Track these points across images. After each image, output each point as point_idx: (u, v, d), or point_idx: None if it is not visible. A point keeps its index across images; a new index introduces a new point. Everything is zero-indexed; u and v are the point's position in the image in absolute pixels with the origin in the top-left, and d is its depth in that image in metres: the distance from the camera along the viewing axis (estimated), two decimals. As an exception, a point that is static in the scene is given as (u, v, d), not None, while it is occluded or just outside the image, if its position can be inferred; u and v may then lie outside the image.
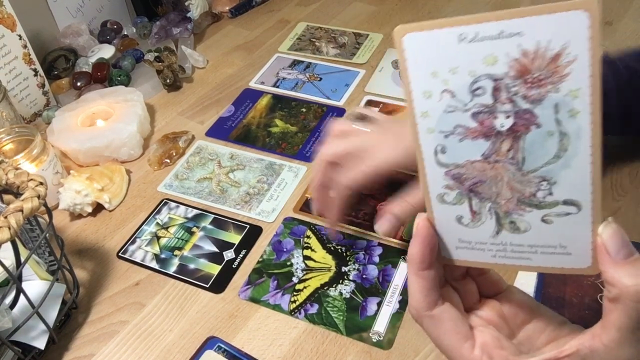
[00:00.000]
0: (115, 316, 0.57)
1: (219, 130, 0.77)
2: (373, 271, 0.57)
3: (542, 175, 0.29)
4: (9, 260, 0.47)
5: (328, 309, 0.54)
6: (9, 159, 0.61)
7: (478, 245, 0.32)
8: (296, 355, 0.52)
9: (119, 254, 0.63)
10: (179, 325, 0.55)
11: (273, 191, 0.67)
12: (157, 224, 0.65)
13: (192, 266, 0.60)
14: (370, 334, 0.52)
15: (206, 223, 0.65)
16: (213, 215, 0.66)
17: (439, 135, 0.29)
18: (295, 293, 0.56)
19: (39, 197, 0.46)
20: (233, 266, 0.60)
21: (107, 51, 0.90)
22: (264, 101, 0.81)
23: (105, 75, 0.84)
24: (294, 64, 0.88)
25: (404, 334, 0.52)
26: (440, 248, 0.33)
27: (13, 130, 0.66)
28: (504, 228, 0.31)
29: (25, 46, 0.78)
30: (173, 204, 0.68)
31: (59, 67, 0.87)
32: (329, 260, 0.59)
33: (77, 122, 0.74)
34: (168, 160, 0.73)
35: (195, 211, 0.66)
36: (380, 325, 0.53)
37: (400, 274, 0.57)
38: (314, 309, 0.55)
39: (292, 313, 0.55)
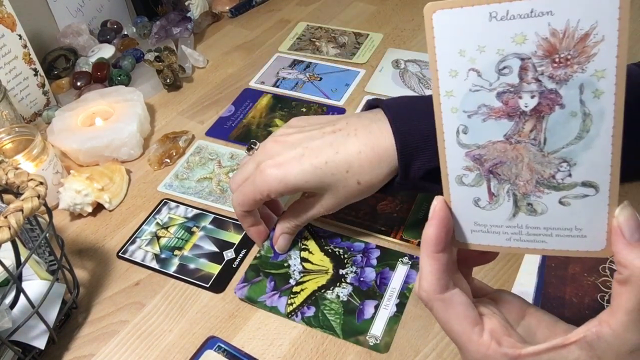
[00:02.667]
0: (115, 316, 0.57)
1: (219, 130, 0.77)
2: (370, 274, 0.57)
3: (563, 157, 0.29)
4: (9, 260, 0.47)
5: (325, 311, 0.54)
6: (9, 158, 0.61)
7: (493, 228, 0.32)
8: (296, 355, 0.52)
9: (119, 254, 0.63)
10: (179, 325, 0.55)
11: (273, 191, 0.67)
12: (157, 223, 0.65)
13: (192, 266, 0.60)
14: (367, 338, 0.52)
15: (206, 223, 0.65)
16: (213, 215, 0.66)
17: (463, 115, 0.29)
18: (292, 295, 0.56)
19: (39, 196, 0.46)
20: (233, 266, 0.60)
21: (107, 51, 0.90)
22: (264, 101, 0.81)
23: (105, 75, 0.84)
24: (294, 63, 0.88)
25: (404, 333, 0.52)
26: (455, 232, 0.33)
27: (13, 130, 0.66)
28: (520, 210, 0.31)
29: (25, 46, 0.78)
30: (173, 204, 0.68)
31: (59, 67, 0.87)
32: (326, 263, 0.59)
33: (77, 122, 0.74)
34: (168, 160, 0.73)
35: (195, 211, 0.66)
36: (377, 329, 0.53)
37: (398, 277, 0.57)
38: (311, 312, 0.54)
39: (289, 316, 0.54)
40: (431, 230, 0.33)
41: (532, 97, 0.28)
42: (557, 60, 0.27)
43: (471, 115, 0.29)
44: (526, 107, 0.28)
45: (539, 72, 0.27)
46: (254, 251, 0.61)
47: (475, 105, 0.29)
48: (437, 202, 0.33)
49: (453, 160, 0.31)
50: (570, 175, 0.29)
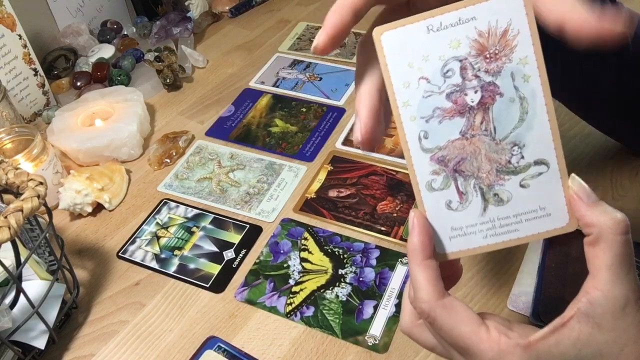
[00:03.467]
0: (115, 316, 0.57)
1: (219, 130, 0.77)
2: (370, 274, 0.57)
3: (513, 141, 0.32)
4: (9, 260, 0.47)
5: (324, 311, 0.54)
6: (9, 158, 0.61)
7: (469, 229, 0.34)
8: (296, 355, 0.52)
9: (119, 254, 0.63)
10: (179, 325, 0.55)
11: (273, 191, 0.67)
12: (157, 223, 0.65)
13: (192, 266, 0.60)
14: (365, 338, 0.52)
15: (206, 223, 0.65)
16: (213, 215, 0.66)
17: (421, 121, 0.33)
18: (291, 295, 0.56)
19: (38, 197, 0.46)
20: (233, 266, 0.60)
21: (107, 51, 0.90)
22: (264, 101, 0.81)
23: (105, 75, 0.84)
24: (294, 63, 0.88)
25: (403, 333, 0.52)
26: (435, 244, 0.34)
27: (13, 130, 0.66)
28: (489, 203, 0.33)
29: (25, 46, 0.78)
30: (173, 204, 0.68)
31: (59, 67, 0.87)
32: (325, 263, 0.59)
33: (77, 122, 0.74)
34: (168, 160, 0.73)
35: (195, 211, 0.66)
36: (376, 329, 0.53)
37: (397, 277, 0.57)
38: (310, 312, 0.55)
39: (288, 315, 0.55)
40: (416, 239, 0.33)
41: (475, 92, 0.32)
42: (488, 56, 0.31)
43: (428, 120, 0.32)
44: (472, 102, 0.32)
45: (476, 69, 0.32)
46: (255, 255, 0.61)
47: (430, 109, 0.32)
48: (413, 214, 0.34)
49: (420, 167, 0.33)
50: (522, 157, 0.32)
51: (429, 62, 0.32)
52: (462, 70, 0.32)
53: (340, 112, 0.78)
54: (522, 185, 0.33)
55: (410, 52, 0.32)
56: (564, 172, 0.32)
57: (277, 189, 0.68)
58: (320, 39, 0.33)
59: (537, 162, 0.32)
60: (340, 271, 0.58)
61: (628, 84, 0.53)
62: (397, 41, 0.32)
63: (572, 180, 0.32)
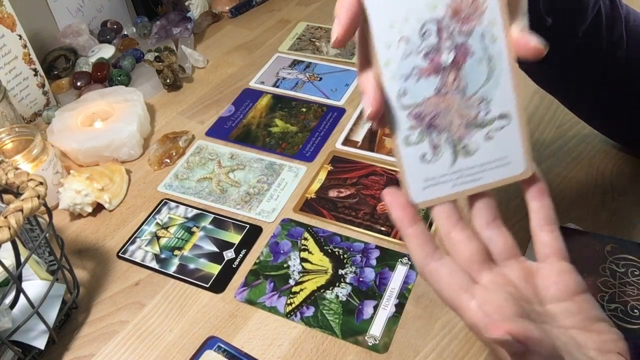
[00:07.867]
0: (115, 316, 0.57)
1: (219, 130, 0.77)
2: (370, 274, 0.57)
3: (481, 97, 0.35)
4: (9, 260, 0.47)
5: (324, 312, 0.54)
6: (9, 158, 0.61)
7: (441, 179, 0.36)
8: (296, 355, 0.52)
9: (119, 254, 0.63)
10: (179, 325, 0.55)
11: (273, 191, 0.67)
12: (157, 223, 0.65)
13: (192, 266, 0.60)
14: (365, 338, 0.52)
15: (206, 223, 0.65)
16: (213, 215, 0.66)
17: (400, 80, 0.35)
18: (291, 295, 0.56)
19: (38, 197, 0.46)
20: (233, 266, 0.60)
21: (107, 51, 0.90)
22: (264, 101, 0.81)
23: (105, 75, 0.84)
24: (294, 63, 0.88)
25: (403, 333, 0.52)
26: (412, 195, 0.37)
27: (13, 130, 0.66)
28: (459, 155, 0.36)
29: (25, 46, 0.78)
30: (173, 204, 0.68)
31: (59, 67, 0.87)
32: (325, 263, 0.59)
33: (77, 122, 0.74)
34: (168, 160, 0.73)
35: (195, 211, 0.66)
36: (376, 329, 0.53)
37: (397, 277, 0.57)
38: (310, 312, 0.55)
39: (288, 316, 0.55)
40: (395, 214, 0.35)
41: (450, 52, 0.34)
42: (461, 18, 0.34)
43: (407, 78, 0.35)
44: (447, 61, 0.34)
45: (450, 30, 0.34)
46: (255, 255, 0.61)
47: (409, 68, 0.35)
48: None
49: (399, 122, 0.36)
50: (489, 111, 0.35)
51: (409, 23, 0.34)
52: (439, 31, 0.34)
53: (340, 112, 0.78)
54: (487, 137, 0.36)
55: (392, 14, 0.34)
56: (524, 124, 0.35)
57: (277, 189, 0.68)
58: (337, 31, 0.34)
59: (502, 116, 0.35)
60: (340, 271, 0.58)
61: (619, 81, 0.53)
62: (381, 3, 0.34)
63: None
